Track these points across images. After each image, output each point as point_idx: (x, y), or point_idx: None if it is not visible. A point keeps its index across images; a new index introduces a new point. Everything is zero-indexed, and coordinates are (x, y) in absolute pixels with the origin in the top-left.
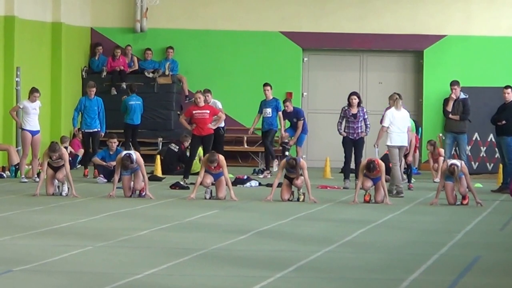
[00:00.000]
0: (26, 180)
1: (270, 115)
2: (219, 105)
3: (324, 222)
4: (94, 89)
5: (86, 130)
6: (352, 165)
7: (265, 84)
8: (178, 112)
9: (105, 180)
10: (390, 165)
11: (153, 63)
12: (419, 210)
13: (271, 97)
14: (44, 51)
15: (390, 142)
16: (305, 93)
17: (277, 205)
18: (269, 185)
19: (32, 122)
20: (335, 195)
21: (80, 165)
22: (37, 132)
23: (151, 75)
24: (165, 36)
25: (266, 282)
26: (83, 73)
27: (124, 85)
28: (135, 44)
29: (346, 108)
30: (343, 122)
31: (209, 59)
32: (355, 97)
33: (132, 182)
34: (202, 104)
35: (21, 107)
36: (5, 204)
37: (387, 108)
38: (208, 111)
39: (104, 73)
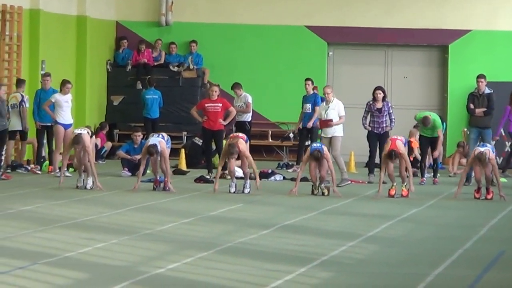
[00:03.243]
0: (59, 174)
1: (310, 111)
2: (249, 99)
3: (348, 217)
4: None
5: (42, 124)
6: (377, 160)
7: (307, 79)
8: None
9: (130, 174)
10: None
11: (178, 57)
12: (443, 205)
13: (311, 92)
14: (69, 44)
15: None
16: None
17: (302, 199)
18: (294, 179)
19: (65, 116)
20: (360, 189)
21: (104, 159)
22: (70, 125)
23: (176, 69)
24: (190, 30)
25: (290, 277)
26: (108, 67)
27: (149, 78)
28: (160, 37)
29: (371, 102)
30: (368, 117)
31: (234, 53)
32: (380, 91)
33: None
34: (215, 97)
35: (53, 101)
36: (30, 197)
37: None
38: (220, 105)
39: (129, 67)
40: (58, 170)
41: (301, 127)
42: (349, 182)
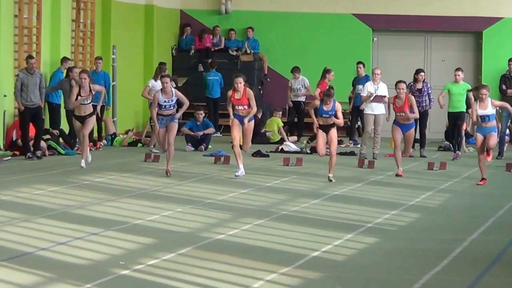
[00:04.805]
0: (156, 150)
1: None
2: (307, 82)
3: (391, 188)
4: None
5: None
6: (417, 136)
7: (359, 62)
8: (259, 87)
9: (192, 148)
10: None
11: (236, 42)
12: (478, 176)
13: (363, 74)
14: (137, 31)
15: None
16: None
17: (348, 171)
18: (342, 154)
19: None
20: (402, 163)
21: None
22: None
23: (234, 53)
24: (248, 18)
25: (338, 242)
26: (173, 51)
27: (209, 62)
28: (220, 24)
29: (412, 83)
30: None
31: (288, 39)
32: (423, 73)
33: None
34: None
35: (150, 86)
36: (103, 170)
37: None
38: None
39: (192, 51)
40: (152, 147)
41: (350, 109)
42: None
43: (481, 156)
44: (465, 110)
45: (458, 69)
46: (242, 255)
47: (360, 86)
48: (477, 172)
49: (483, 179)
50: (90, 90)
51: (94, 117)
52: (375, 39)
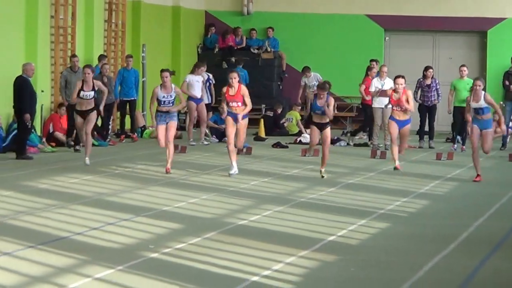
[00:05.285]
0: (194, 143)
1: None
2: (319, 76)
3: (401, 177)
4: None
5: (124, 98)
6: (426, 128)
7: (371, 60)
8: (279, 83)
9: (217, 140)
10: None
11: (257, 41)
12: (483, 166)
13: (376, 71)
14: (165, 31)
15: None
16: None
17: (362, 162)
18: (356, 145)
19: (196, 93)
20: (412, 153)
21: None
22: (201, 100)
23: (256, 51)
24: (268, 18)
25: (353, 227)
26: (198, 49)
27: (233, 59)
28: (242, 24)
29: (421, 79)
30: (419, 92)
31: (305, 38)
32: (431, 70)
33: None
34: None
35: (187, 80)
36: (133, 160)
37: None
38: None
39: (216, 50)
40: (191, 140)
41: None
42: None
43: (475, 153)
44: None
45: (462, 66)
46: (263, 239)
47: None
48: (483, 162)
49: (478, 175)
50: (93, 86)
51: (95, 113)
52: (386, 38)
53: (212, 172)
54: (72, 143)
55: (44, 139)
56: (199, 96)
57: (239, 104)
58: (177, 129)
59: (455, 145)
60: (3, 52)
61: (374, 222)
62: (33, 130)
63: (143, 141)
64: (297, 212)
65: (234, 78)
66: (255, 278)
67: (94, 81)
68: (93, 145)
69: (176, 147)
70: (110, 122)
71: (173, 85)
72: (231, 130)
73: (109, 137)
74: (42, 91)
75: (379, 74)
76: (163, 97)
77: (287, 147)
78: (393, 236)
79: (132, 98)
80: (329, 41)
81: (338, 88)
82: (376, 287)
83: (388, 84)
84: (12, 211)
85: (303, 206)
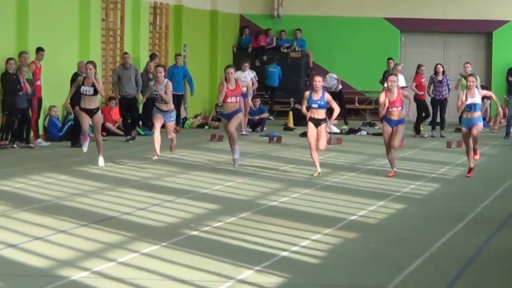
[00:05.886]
0: (246, 133)
1: None
2: (335, 75)
3: (416, 162)
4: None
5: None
6: (438, 120)
7: (389, 58)
8: (306, 79)
9: (250, 130)
10: None
11: (286, 41)
12: (489, 153)
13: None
14: (204, 32)
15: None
16: (402, 65)
17: (381, 149)
18: (375, 135)
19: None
20: (424, 142)
21: None
22: (246, 96)
23: (285, 50)
24: (296, 21)
25: (372, 208)
26: (234, 49)
27: (264, 58)
28: (273, 26)
29: (434, 75)
30: (431, 87)
31: (329, 38)
32: (440, 66)
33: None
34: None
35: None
36: (176, 148)
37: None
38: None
39: (250, 49)
40: (243, 130)
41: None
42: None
43: (468, 149)
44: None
45: (466, 63)
46: (291, 218)
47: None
48: (488, 150)
49: (470, 169)
50: (93, 83)
51: (100, 116)
52: (402, 39)
53: (246, 159)
54: (130, 136)
55: None
56: (244, 91)
57: (237, 99)
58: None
59: None
60: (61, 52)
61: (392, 203)
62: None
63: (184, 131)
64: (322, 194)
65: (231, 73)
66: (284, 253)
67: (94, 80)
68: (140, 134)
69: (213, 136)
70: None
71: (165, 81)
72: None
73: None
74: None
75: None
76: (155, 91)
77: None
78: (408, 216)
79: (180, 93)
80: (350, 41)
81: (359, 83)
82: (393, 261)
83: (400, 80)
84: (67, 193)
85: (327, 189)
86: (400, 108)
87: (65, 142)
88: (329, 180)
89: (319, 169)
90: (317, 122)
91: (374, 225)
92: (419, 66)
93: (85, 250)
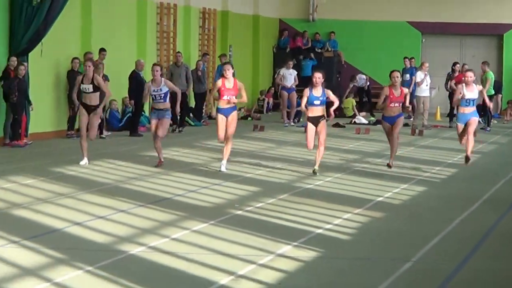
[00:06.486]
0: (287, 124)
1: (408, 79)
2: (364, 77)
3: (435, 150)
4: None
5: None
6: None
7: (404, 57)
8: (337, 76)
9: (289, 121)
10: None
11: (320, 43)
12: (500, 141)
13: (409, 66)
14: (247, 34)
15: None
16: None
17: (403, 138)
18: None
19: (288, 84)
20: (443, 132)
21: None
22: (293, 90)
23: (319, 50)
24: (329, 24)
25: (396, 190)
26: (273, 49)
27: (301, 57)
28: (308, 29)
29: (451, 73)
30: (449, 82)
31: (359, 39)
32: (458, 64)
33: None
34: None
35: (281, 73)
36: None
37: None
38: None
39: (288, 50)
40: (288, 120)
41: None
42: (431, 127)
43: (462, 138)
44: (491, 94)
45: (483, 62)
46: (325, 200)
47: (407, 75)
48: (500, 138)
49: (467, 158)
50: (93, 80)
51: (98, 114)
52: (423, 40)
53: (284, 147)
54: (181, 128)
55: None
56: (289, 86)
57: (234, 97)
58: (171, 125)
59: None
60: (120, 52)
61: (414, 186)
62: (143, 113)
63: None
64: (353, 178)
65: (228, 70)
66: (319, 231)
67: (98, 79)
68: (190, 125)
69: (256, 126)
70: (204, 107)
71: (162, 79)
72: (222, 130)
73: (203, 118)
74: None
75: (415, 69)
76: (154, 91)
77: (344, 126)
78: (429, 197)
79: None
80: (377, 42)
81: (385, 80)
82: (416, 237)
83: (419, 77)
84: (126, 177)
85: (357, 173)
86: (398, 104)
87: (125, 132)
88: (358, 166)
89: (316, 166)
90: (316, 120)
91: (398, 205)
92: (454, 63)
93: (142, 227)
